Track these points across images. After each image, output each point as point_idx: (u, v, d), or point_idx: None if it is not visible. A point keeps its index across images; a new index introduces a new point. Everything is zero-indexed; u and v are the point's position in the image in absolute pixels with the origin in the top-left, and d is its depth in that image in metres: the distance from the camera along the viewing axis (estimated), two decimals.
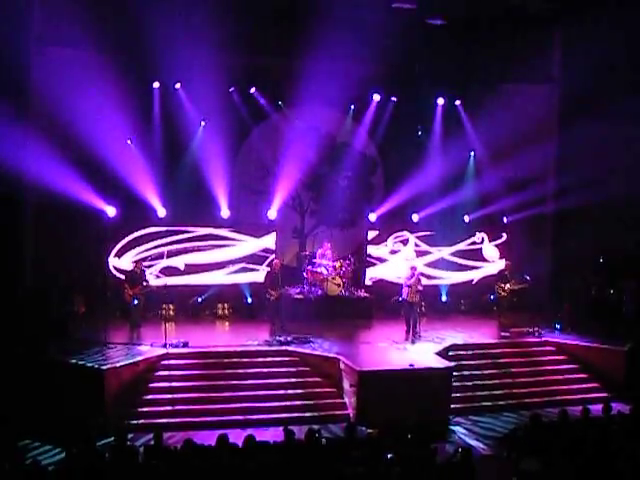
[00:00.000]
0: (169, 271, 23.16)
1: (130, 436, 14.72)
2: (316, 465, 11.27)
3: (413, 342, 20.77)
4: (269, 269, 22.53)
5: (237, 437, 12.55)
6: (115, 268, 22.63)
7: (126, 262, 22.52)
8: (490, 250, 26.33)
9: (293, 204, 25.39)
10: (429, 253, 25.86)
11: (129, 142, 22.28)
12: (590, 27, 22.72)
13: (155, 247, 23.02)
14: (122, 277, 21.81)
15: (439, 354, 19.44)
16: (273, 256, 23.83)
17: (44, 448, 15.42)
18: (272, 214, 24.48)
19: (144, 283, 21.06)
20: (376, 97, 24.91)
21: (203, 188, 23.26)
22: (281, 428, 13.27)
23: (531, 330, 21.90)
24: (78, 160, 20.99)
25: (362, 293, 24.53)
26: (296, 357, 19.26)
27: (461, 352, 20.48)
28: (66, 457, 11.73)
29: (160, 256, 23.05)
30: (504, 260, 24.44)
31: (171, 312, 22.51)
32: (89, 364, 17.23)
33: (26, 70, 20.40)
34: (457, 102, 25.54)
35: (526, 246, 25.46)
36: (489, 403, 19.03)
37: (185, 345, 19.16)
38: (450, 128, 25.43)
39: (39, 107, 20.73)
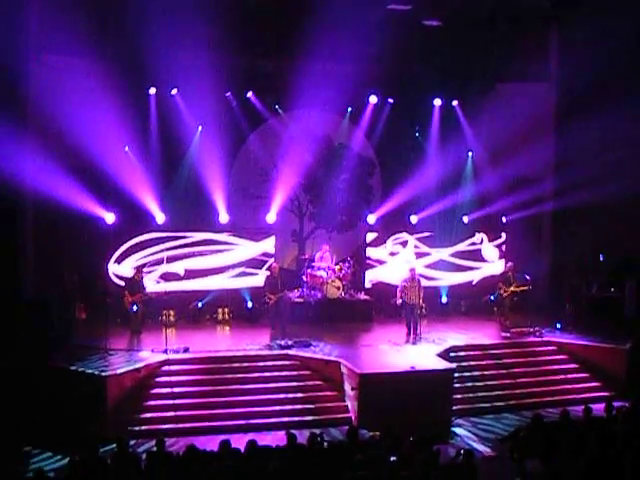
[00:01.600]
0: (169, 277, 23.13)
1: (132, 443, 14.75)
2: (318, 469, 11.26)
3: (414, 344, 20.78)
4: (268, 273, 22.52)
5: (239, 442, 12.55)
6: (115, 275, 22.61)
7: (126, 268, 22.49)
8: (489, 250, 26.28)
9: (292, 207, 25.38)
10: (428, 254, 25.80)
11: (126, 149, 22.26)
12: (587, 25, 22.70)
13: (154, 253, 22.98)
14: (122, 284, 21.83)
15: (440, 355, 19.45)
16: (272, 260, 23.84)
17: (45, 455, 15.43)
18: (271, 218, 24.46)
19: (144, 290, 21.11)
20: (373, 99, 24.87)
21: (201, 193, 23.28)
22: (283, 432, 13.28)
23: (532, 330, 21.89)
24: (76, 168, 20.98)
25: (362, 296, 24.53)
26: (297, 361, 19.26)
27: (462, 353, 20.48)
28: (68, 465, 11.71)
29: (159, 262, 23.02)
30: (507, 262, 24.14)
31: (171, 318, 22.49)
32: (90, 371, 17.26)
33: (23, 78, 20.35)
34: (454, 103, 25.46)
35: (525, 246, 25.39)
36: (490, 404, 19.03)
37: (186, 350, 19.17)
38: (448, 129, 25.35)
39: (36, 115, 20.71)
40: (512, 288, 22.69)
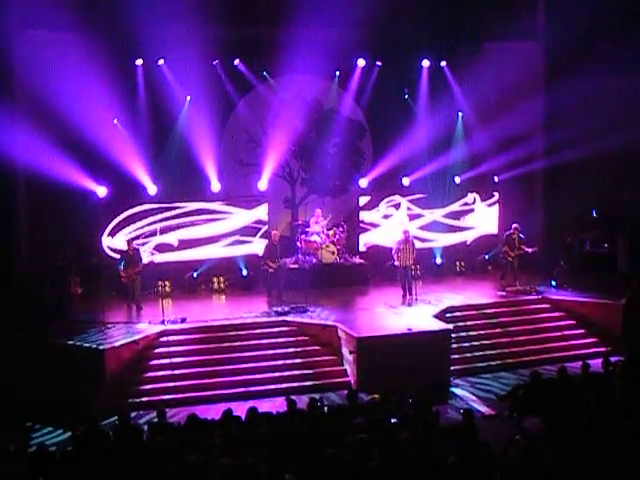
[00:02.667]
0: (163, 248, 23.11)
1: (133, 414, 14.83)
2: (319, 434, 11.32)
3: (410, 305, 20.85)
4: (268, 241, 22.50)
5: (240, 409, 12.64)
6: (109, 248, 22.58)
7: (119, 241, 22.46)
8: (482, 210, 26.29)
9: (283, 174, 25.32)
10: (421, 216, 25.81)
11: (115, 121, 22.17)
12: None
13: (147, 224, 22.96)
14: (117, 258, 21.77)
15: (437, 316, 19.54)
16: (266, 227, 23.94)
17: (46, 430, 15.47)
18: (262, 185, 24.44)
19: (139, 264, 20.92)
20: (361, 62, 24.70)
21: (192, 163, 23.17)
22: (283, 398, 13.35)
23: (527, 288, 21.97)
24: (66, 142, 20.90)
25: (357, 259, 24.56)
26: (294, 327, 19.34)
27: (458, 314, 20.57)
28: (71, 439, 11.76)
29: (153, 233, 23.00)
30: (512, 223, 23.63)
31: (167, 289, 22.57)
32: (88, 345, 17.30)
33: (8, 54, 20.24)
34: (443, 63, 25.31)
35: (518, 204, 25.41)
36: (488, 363, 19.14)
37: (183, 321, 19.23)
38: (437, 90, 25.27)
39: (23, 90, 20.63)
40: (517, 251, 22.41)
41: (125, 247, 21.28)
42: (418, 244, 22.85)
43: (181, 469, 9.85)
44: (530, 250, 22.37)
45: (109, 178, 22.20)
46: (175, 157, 22.90)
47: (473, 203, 26.32)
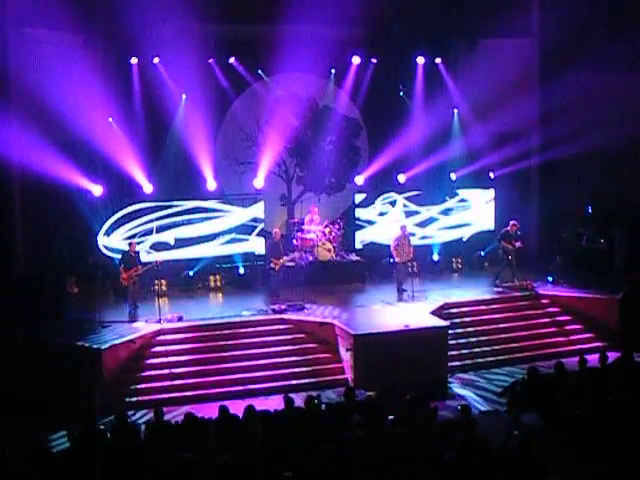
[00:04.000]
0: (159, 246, 23.03)
1: (130, 414, 14.81)
2: (317, 431, 11.32)
3: (407, 301, 20.88)
4: (270, 239, 22.47)
5: (237, 408, 12.62)
6: (105, 247, 22.52)
7: (115, 240, 22.41)
8: (478, 207, 26.24)
9: (279, 172, 25.29)
10: (418, 213, 25.76)
11: (110, 120, 22.11)
12: None
13: (144, 223, 22.89)
14: (114, 257, 21.73)
15: (434, 313, 19.52)
16: (262, 225, 23.89)
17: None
18: (258, 183, 24.37)
19: (139, 266, 20.49)
20: (356, 60, 24.62)
21: (188, 161, 23.13)
22: (280, 396, 13.34)
23: (524, 284, 21.94)
24: (61, 141, 20.86)
25: (353, 257, 24.50)
26: (291, 325, 19.34)
27: (455, 310, 20.57)
28: (68, 439, 11.75)
29: (149, 232, 22.93)
30: (511, 220, 23.48)
31: (163, 287, 22.40)
32: (86, 345, 17.28)
33: (3, 52, 20.19)
34: (438, 60, 25.26)
35: (514, 200, 25.37)
36: (486, 359, 19.21)
37: (180, 319, 19.21)
38: (432, 87, 25.24)
39: (18, 89, 20.56)
40: (518, 244, 22.25)
41: (127, 247, 21.04)
42: (414, 241, 22.88)
43: (178, 468, 9.84)
44: (517, 244, 22.31)
45: (104, 177, 22.16)
46: (171, 155, 22.89)
47: (469, 200, 26.25)
